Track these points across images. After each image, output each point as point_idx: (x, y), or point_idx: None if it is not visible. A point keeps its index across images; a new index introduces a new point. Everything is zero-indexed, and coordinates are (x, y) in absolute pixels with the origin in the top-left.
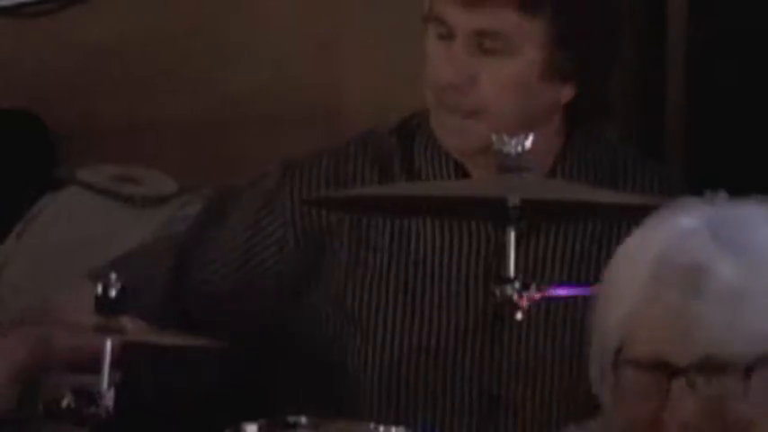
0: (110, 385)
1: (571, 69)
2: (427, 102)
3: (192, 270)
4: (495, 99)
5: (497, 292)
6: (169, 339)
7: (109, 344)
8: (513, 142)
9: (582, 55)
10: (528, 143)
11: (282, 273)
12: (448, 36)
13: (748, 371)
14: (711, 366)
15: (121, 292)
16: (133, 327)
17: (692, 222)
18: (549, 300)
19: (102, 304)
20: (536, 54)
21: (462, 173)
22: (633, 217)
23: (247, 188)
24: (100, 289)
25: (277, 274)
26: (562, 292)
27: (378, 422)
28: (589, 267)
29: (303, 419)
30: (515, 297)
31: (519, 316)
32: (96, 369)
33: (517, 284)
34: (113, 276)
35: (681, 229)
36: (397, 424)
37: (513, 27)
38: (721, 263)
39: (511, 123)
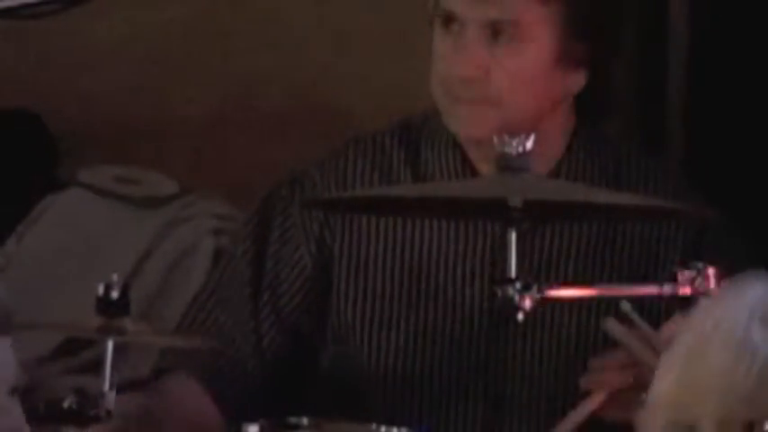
0: (111, 386)
1: (583, 56)
2: (435, 95)
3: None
4: (510, 89)
5: (499, 293)
6: (169, 340)
7: (110, 345)
8: (515, 143)
9: (594, 41)
10: (529, 144)
11: (307, 290)
12: (457, 29)
13: None
14: None
15: (123, 292)
16: (134, 327)
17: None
18: (552, 300)
19: (104, 305)
20: (550, 41)
21: (470, 168)
22: (634, 217)
23: (261, 215)
24: (102, 290)
25: (304, 293)
26: (564, 292)
27: (382, 422)
28: (591, 267)
29: (304, 420)
30: (516, 298)
31: (520, 317)
32: None
33: (518, 285)
34: (115, 277)
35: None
36: (401, 424)
37: (527, 14)
38: None
39: (524, 113)
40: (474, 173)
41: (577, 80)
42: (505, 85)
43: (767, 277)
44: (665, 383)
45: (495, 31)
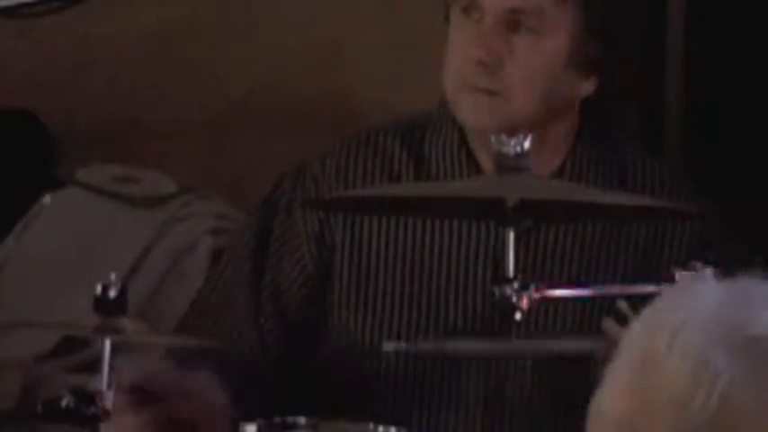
0: (109, 386)
1: (595, 62)
2: (446, 86)
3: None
4: (522, 82)
5: (497, 293)
6: (169, 340)
7: (108, 344)
8: (513, 142)
9: (608, 48)
10: (527, 144)
11: (308, 287)
12: (476, 17)
13: None
14: None
15: (121, 292)
16: (133, 327)
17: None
18: (551, 300)
19: (102, 304)
20: (565, 41)
21: (475, 164)
22: (634, 217)
23: (264, 210)
24: (99, 289)
25: (305, 290)
26: (562, 292)
27: (380, 420)
28: (592, 268)
29: (302, 420)
30: (514, 297)
31: (518, 316)
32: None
33: (516, 285)
34: (113, 276)
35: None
36: (399, 422)
37: (547, 7)
38: None
39: (532, 109)
40: (479, 169)
41: (588, 84)
42: (517, 78)
43: (722, 281)
44: (609, 398)
45: (514, 22)
